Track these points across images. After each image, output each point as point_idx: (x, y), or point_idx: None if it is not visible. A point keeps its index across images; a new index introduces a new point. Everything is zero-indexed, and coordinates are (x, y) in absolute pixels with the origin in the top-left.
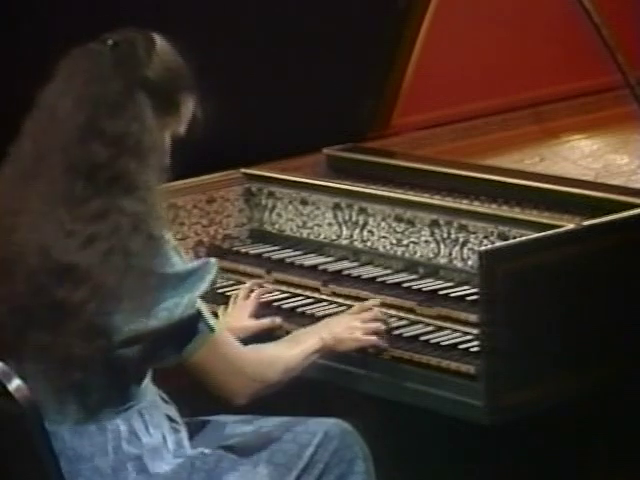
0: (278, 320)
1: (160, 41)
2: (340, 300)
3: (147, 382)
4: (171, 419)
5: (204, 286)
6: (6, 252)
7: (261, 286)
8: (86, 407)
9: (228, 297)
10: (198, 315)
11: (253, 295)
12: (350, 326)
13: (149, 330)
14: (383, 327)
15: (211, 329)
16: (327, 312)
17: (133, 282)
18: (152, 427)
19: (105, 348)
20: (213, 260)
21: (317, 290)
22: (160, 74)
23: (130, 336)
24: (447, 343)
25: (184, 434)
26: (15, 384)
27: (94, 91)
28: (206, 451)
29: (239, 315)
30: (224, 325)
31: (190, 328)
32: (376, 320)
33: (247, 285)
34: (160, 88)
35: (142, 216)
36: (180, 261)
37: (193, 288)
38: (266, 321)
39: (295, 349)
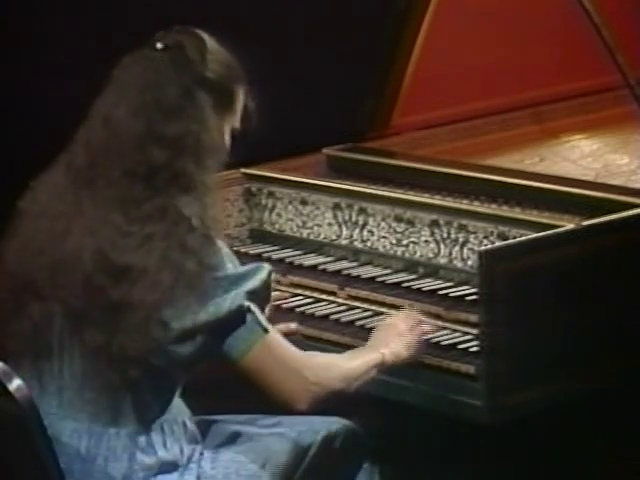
0: (293, 325)
1: (208, 38)
2: (340, 300)
3: (176, 397)
4: (192, 434)
5: (253, 284)
6: (61, 255)
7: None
8: (116, 406)
9: None
10: (247, 311)
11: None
12: (402, 339)
13: (198, 325)
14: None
15: (265, 329)
16: (326, 312)
17: (187, 280)
18: (170, 441)
19: (159, 344)
20: (266, 264)
21: (317, 290)
22: (216, 71)
23: (181, 332)
24: (447, 343)
25: (198, 449)
26: (15, 384)
27: (151, 98)
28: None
29: None
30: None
31: (239, 323)
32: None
33: None
34: (218, 85)
35: (199, 216)
36: (232, 266)
37: (242, 285)
38: (281, 326)
39: (355, 360)
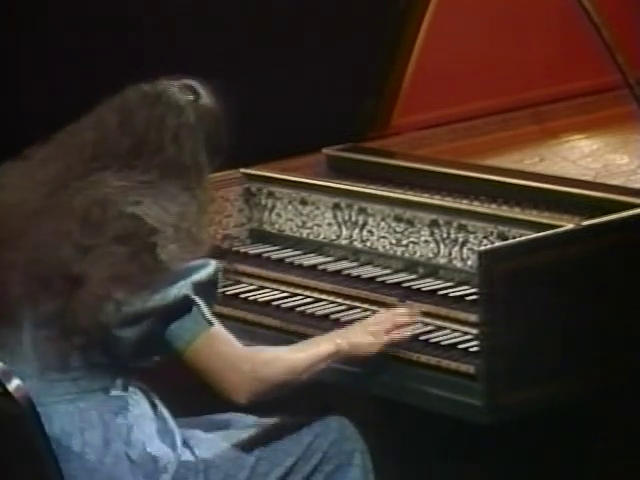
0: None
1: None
2: (340, 300)
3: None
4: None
5: (199, 276)
6: (30, 231)
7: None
8: (80, 381)
9: (228, 297)
10: (192, 302)
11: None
12: (366, 331)
13: (144, 311)
14: (401, 323)
15: (209, 323)
16: (326, 312)
17: (143, 268)
18: (139, 406)
19: (107, 322)
20: (214, 261)
21: (317, 290)
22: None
23: (128, 316)
24: (446, 343)
25: (174, 430)
26: (15, 384)
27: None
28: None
29: None
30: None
31: (183, 312)
32: (398, 322)
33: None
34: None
35: (161, 219)
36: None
37: (189, 277)
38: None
39: (304, 352)
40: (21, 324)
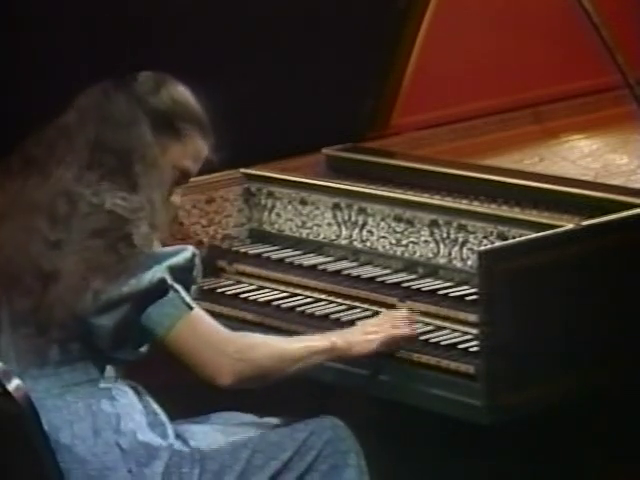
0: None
1: (175, 82)
2: (340, 300)
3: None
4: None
5: (176, 260)
6: None
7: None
8: (64, 375)
9: (227, 297)
10: (168, 286)
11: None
12: (364, 330)
13: (119, 297)
14: (400, 323)
15: (189, 306)
16: (326, 312)
17: (116, 256)
18: (127, 397)
19: (83, 313)
20: (191, 247)
21: (317, 290)
22: (165, 104)
23: (103, 303)
24: (446, 343)
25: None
26: (14, 384)
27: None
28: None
29: None
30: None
31: (158, 295)
32: (397, 321)
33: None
34: (161, 115)
35: (133, 209)
36: (158, 246)
37: (164, 261)
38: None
39: (297, 343)
40: (6, 328)
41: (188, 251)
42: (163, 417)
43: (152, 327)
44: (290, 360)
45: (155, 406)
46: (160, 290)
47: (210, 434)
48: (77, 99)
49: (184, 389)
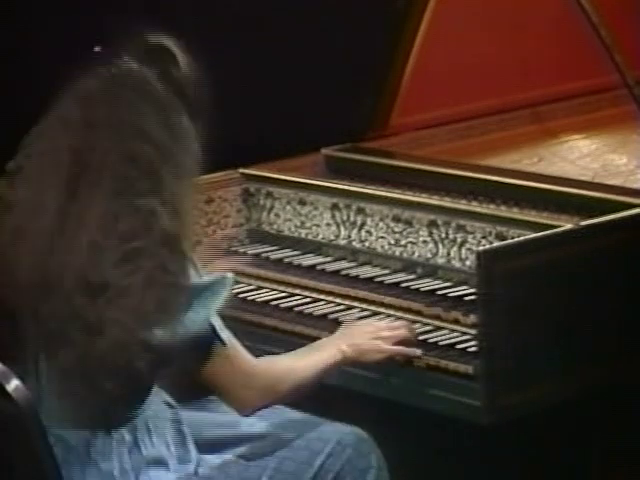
0: (418, 352)
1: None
2: (338, 300)
3: (154, 390)
4: (176, 423)
5: (219, 302)
6: (41, 274)
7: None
8: (101, 415)
9: None
10: (212, 331)
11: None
12: (373, 336)
13: (165, 343)
14: (409, 335)
15: (222, 343)
16: (325, 312)
17: (164, 301)
18: (156, 437)
19: (138, 359)
20: (230, 275)
21: (315, 290)
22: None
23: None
24: (445, 343)
25: (189, 440)
26: (14, 385)
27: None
28: (211, 459)
29: None
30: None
31: (204, 344)
32: (402, 330)
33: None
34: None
35: (175, 234)
36: (195, 274)
37: (209, 304)
38: (407, 350)
39: (311, 361)
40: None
41: (228, 286)
42: (191, 446)
43: (186, 359)
44: (307, 383)
45: (187, 436)
46: (206, 340)
47: (224, 465)
48: (77, 88)
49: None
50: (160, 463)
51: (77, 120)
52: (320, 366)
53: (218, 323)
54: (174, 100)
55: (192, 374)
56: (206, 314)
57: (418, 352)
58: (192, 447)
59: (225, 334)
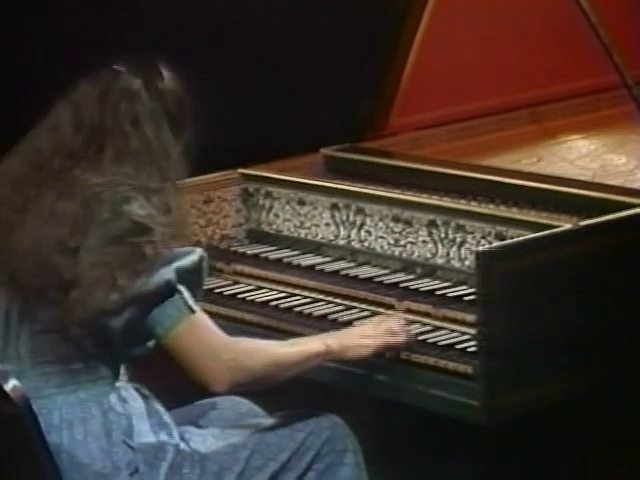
0: (401, 339)
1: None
2: (338, 300)
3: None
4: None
5: (183, 263)
6: (16, 244)
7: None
8: (78, 372)
9: (226, 297)
10: (174, 288)
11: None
12: (360, 334)
13: (127, 299)
14: (396, 329)
15: (191, 310)
16: (324, 312)
17: (138, 259)
18: (135, 399)
19: (107, 311)
20: (200, 249)
21: (315, 290)
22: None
23: (114, 306)
24: (445, 343)
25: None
26: (11, 384)
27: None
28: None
29: None
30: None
31: (165, 296)
32: (393, 328)
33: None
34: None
35: (150, 216)
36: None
37: (172, 263)
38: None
39: (292, 347)
40: (13, 324)
41: (196, 254)
42: (168, 418)
43: (153, 326)
44: (284, 366)
45: (159, 407)
46: (166, 291)
47: (209, 436)
48: (71, 93)
49: (182, 387)
50: (142, 418)
51: (66, 122)
52: (304, 354)
53: (186, 292)
54: (157, 109)
55: (160, 345)
56: (166, 269)
57: (401, 339)
58: (174, 428)
59: (195, 305)
